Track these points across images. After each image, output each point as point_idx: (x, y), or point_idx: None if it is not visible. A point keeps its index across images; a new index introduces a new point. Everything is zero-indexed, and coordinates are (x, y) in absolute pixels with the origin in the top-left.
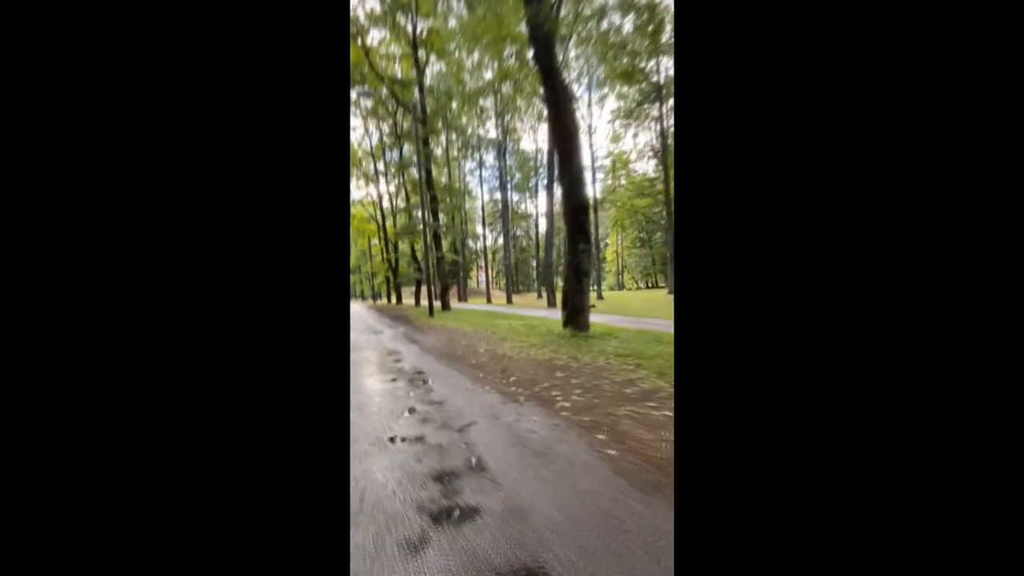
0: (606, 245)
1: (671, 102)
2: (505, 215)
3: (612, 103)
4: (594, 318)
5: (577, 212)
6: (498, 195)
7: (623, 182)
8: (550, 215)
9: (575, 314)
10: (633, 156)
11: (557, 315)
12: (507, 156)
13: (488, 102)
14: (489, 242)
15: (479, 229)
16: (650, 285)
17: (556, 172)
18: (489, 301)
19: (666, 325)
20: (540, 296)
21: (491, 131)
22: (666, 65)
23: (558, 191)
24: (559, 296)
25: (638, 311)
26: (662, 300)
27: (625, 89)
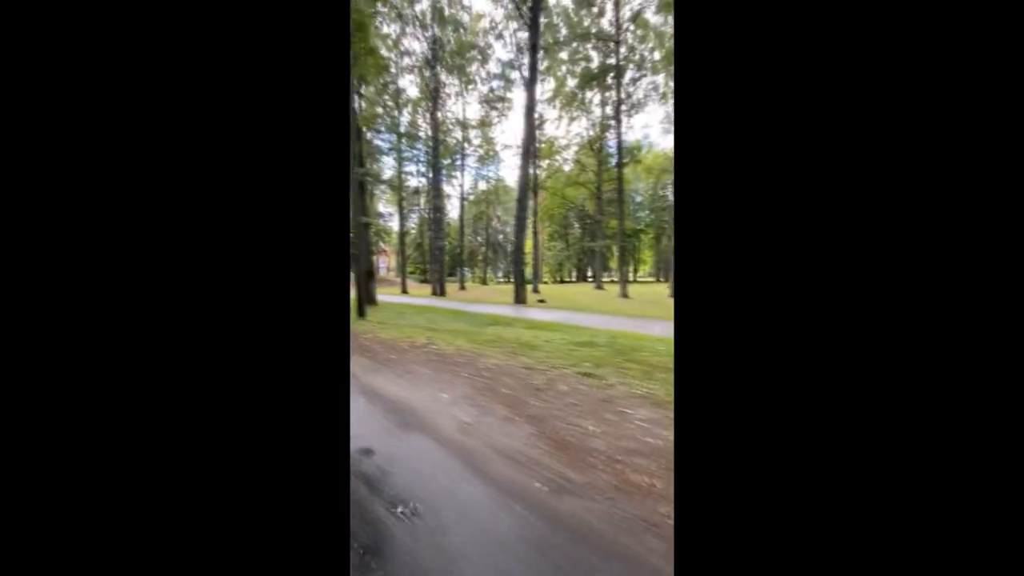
0: (527, 237)
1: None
2: (436, 181)
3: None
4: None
5: None
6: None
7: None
8: (524, 180)
9: None
10: (564, 143)
11: (548, 315)
12: (436, 118)
13: (416, 44)
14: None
15: (379, 206)
16: (561, 280)
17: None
18: (405, 292)
19: None
20: (462, 287)
21: (410, 88)
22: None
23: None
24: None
25: (619, 311)
26: (604, 296)
27: (562, 71)
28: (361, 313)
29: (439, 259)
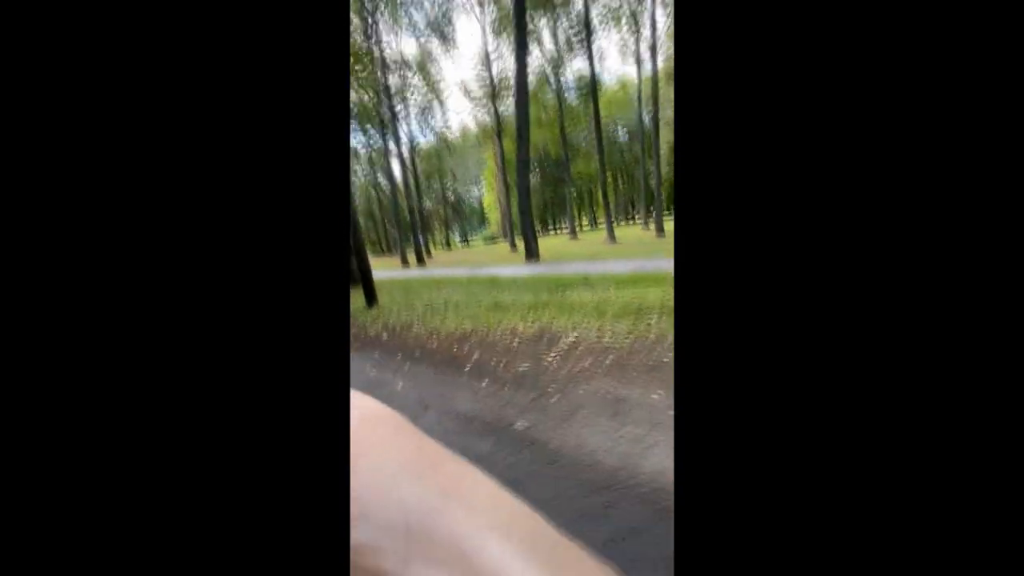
0: (483, 193)
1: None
2: (394, 131)
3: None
4: None
5: None
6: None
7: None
8: (523, 111)
9: None
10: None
11: (601, 267)
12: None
13: None
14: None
15: None
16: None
17: None
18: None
19: None
20: (429, 254)
21: None
22: None
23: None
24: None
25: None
26: (588, 244)
27: None
28: (371, 300)
29: (413, 224)
